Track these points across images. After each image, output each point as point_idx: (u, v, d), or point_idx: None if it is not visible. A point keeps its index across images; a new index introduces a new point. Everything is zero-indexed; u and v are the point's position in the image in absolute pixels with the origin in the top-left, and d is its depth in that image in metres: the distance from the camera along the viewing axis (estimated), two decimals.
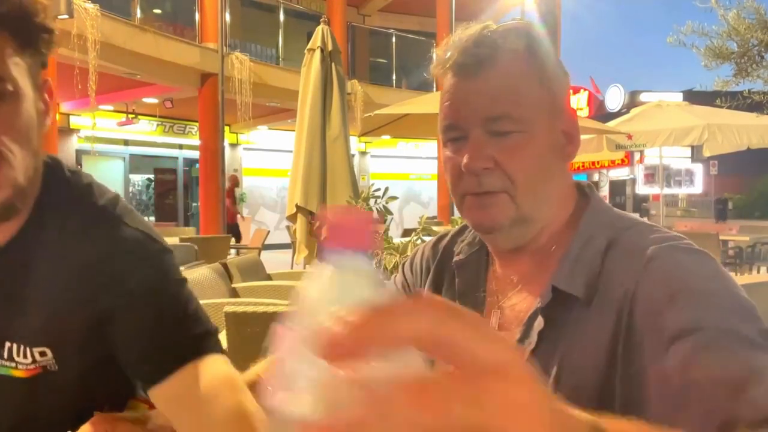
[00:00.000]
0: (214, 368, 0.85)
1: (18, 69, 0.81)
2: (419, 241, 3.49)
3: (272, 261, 12.88)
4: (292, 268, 9.98)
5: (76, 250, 0.87)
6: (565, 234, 0.85)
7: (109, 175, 15.01)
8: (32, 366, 0.88)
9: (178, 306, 0.89)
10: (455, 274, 0.96)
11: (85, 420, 0.85)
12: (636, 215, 0.88)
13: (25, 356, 0.88)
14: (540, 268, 0.85)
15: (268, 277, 4.86)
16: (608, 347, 0.74)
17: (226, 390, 0.83)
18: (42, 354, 0.88)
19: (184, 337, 0.87)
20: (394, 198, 3.61)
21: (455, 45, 0.84)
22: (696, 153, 22.17)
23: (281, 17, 14.01)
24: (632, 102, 23.56)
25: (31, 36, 0.83)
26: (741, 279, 7.04)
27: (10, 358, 0.88)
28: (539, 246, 0.86)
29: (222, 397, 0.82)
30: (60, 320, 0.87)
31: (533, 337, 0.80)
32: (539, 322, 0.80)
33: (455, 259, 0.97)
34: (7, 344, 0.88)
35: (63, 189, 0.91)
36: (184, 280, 0.92)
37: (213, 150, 10.83)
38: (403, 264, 1.09)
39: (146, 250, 0.90)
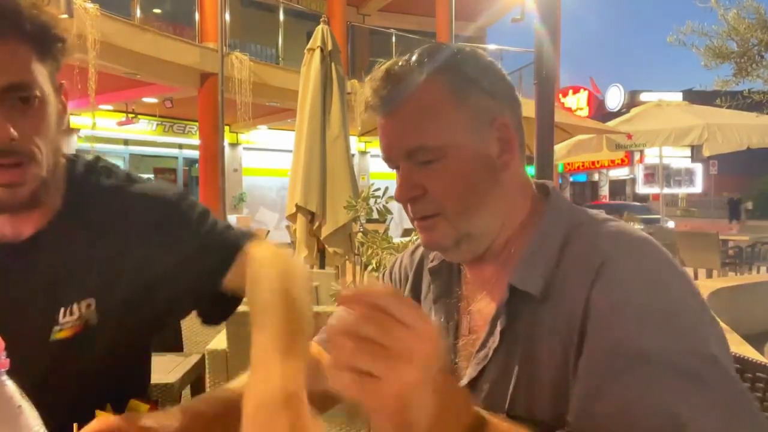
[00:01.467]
0: (260, 251, 1.00)
1: (41, 76, 0.92)
2: (419, 241, 3.48)
3: None
4: None
5: (110, 214, 1.01)
6: (523, 235, 0.87)
7: None
8: (78, 322, 0.97)
9: (210, 221, 1.05)
10: (431, 280, 0.99)
11: (99, 394, 0.93)
12: (593, 209, 0.89)
13: (71, 314, 0.97)
14: (503, 271, 0.87)
15: None
16: (563, 343, 0.75)
17: (273, 274, 0.92)
18: (88, 306, 0.98)
19: (226, 238, 1.04)
20: (393, 198, 3.61)
21: (370, 85, 0.86)
22: (696, 153, 22.20)
23: (281, 17, 13.99)
24: (632, 102, 23.61)
25: (50, 46, 0.94)
26: (741, 279, 7.04)
27: (56, 321, 0.96)
28: (498, 251, 0.88)
29: (267, 280, 0.91)
30: (105, 275, 0.99)
31: (496, 335, 0.83)
32: (501, 321, 0.83)
33: (429, 265, 1.00)
34: (61, 310, 0.97)
35: (86, 173, 1.05)
36: (208, 210, 1.08)
37: (213, 150, 10.81)
38: (383, 273, 1.12)
39: (167, 193, 1.06)
